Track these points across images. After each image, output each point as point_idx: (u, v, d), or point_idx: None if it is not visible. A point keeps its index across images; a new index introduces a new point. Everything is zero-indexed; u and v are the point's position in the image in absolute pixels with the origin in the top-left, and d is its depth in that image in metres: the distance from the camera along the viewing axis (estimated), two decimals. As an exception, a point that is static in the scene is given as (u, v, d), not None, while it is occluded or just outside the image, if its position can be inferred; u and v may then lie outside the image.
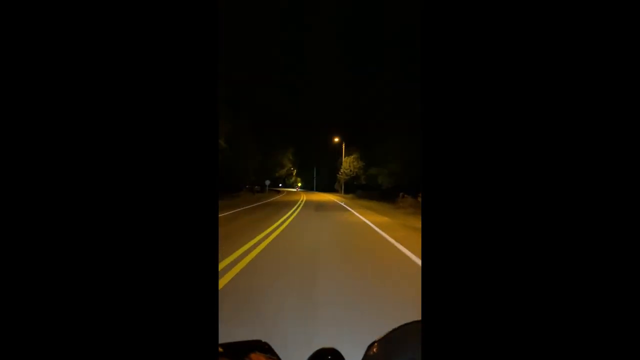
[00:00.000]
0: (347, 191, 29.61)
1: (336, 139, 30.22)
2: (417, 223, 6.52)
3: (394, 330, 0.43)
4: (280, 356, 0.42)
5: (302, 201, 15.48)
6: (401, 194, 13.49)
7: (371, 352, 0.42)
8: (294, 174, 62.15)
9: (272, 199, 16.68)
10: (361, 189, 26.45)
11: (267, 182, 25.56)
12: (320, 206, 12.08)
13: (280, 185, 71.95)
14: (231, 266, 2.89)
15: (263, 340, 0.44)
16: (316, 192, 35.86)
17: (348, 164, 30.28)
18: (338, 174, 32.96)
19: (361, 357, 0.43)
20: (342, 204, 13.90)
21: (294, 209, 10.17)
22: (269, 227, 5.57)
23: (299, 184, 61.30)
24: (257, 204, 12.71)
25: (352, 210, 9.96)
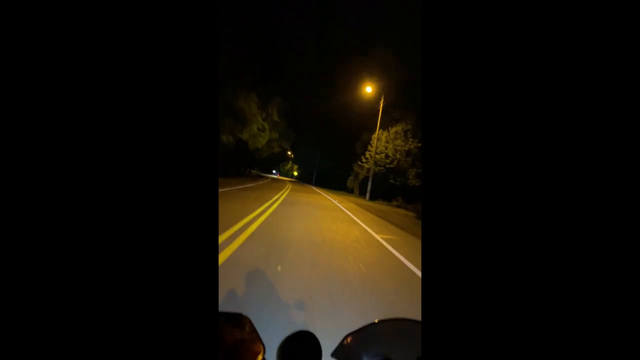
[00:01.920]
0: (374, 195, 15.00)
1: (368, 89, 15.17)
2: None
3: (370, 325, 0.45)
4: (260, 333, 0.43)
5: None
6: None
7: (345, 342, 0.44)
8: (290, 157, 47.62)
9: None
10: (406, 194, 11.94)
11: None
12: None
13: (274, 172, 57.77)
14: None
15: (244, 314, 0.44)
16: (313, 189, 20.80)
17: (384, 141, 15.64)
18: (360, 161, 18.24)
19: (335, 345, 0.45)
20: None
21: None
22: None
23: (295, 173, 46.83)
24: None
25: None
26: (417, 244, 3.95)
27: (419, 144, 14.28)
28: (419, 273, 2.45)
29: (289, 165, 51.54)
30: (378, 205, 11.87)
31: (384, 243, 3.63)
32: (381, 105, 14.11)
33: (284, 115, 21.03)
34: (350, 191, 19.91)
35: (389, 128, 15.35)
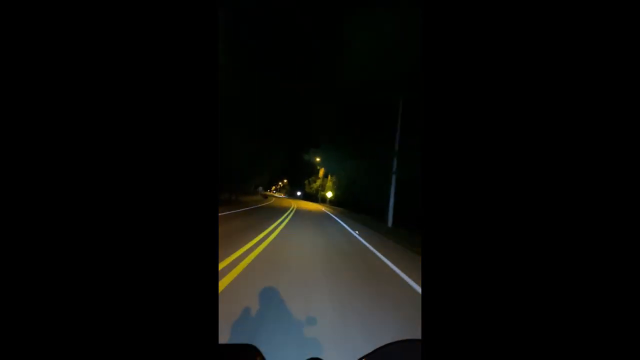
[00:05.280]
0: None
1: None
2: None
3: (383, 347, 0.45)
4: None
5: None
6: None
7: None
8: (320, 176, 36.29)
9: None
10: None
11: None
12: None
13: (299, 193, 46.92)
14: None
15: (253, 345, 0.45)
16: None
17: None
18: None
19: None
20: None
21: None
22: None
23: (328, 193, 35.00)
24: None
25: None
26: None
27: None
28: None
29: (317, 183, 36.63)
30: None
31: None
32: None
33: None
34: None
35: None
